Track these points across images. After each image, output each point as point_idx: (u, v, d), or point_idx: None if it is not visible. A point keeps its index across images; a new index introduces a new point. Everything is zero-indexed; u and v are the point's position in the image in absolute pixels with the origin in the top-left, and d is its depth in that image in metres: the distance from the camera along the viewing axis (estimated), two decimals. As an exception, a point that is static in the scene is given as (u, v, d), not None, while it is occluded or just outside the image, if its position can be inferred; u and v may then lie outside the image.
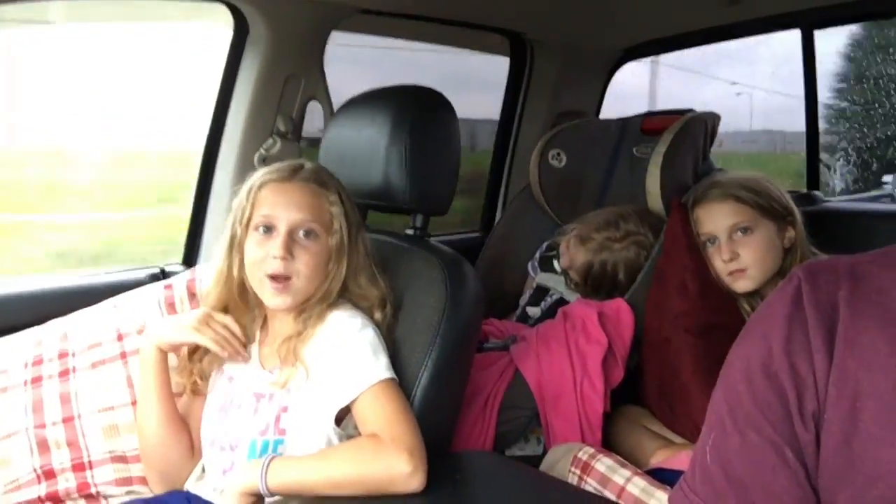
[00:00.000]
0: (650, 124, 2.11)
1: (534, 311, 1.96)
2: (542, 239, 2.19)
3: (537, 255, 2.13)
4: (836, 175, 2.16)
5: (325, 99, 1.79)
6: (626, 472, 1.29)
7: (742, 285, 1.61)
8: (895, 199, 2.36)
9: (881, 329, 0.62)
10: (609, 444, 1.58)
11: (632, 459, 1.54)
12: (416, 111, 1.40)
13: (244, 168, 1.76)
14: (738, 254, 1.61)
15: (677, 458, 1.44)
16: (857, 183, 2.16)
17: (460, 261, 1.36)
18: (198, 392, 1.34)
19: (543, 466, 1.46)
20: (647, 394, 1.66)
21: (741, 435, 0.67)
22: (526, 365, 1.60)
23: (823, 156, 2.20)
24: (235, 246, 1.26)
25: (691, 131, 1.91)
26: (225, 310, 1.30)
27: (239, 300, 1.29)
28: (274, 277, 1.21)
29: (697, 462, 0.72)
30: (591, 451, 1.37)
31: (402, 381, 1.22)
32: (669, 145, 1.86)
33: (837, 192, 2.16)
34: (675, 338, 1.58)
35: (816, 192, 2.04)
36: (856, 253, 1.68)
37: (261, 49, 1.74)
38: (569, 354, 1.57)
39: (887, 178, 2.48)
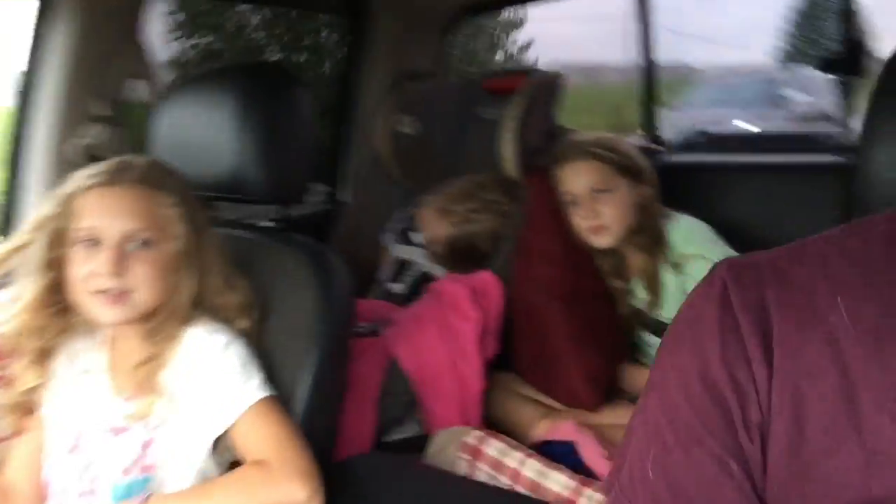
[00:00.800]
0: (494, 84, 2.08)
1: (397, 288, 1.89)
2: (395, 208, 2.12)
3: (392, 226, 2.06)
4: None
5: (149, 78, 1.58)
6: (519, 455, 1.28)
7: (602, 240, 1.63)
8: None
9: (814, 330, 0.60)
10: (487, 416, 1.57)
11: (514, 431, 1.55)
12: (265, 90, 1.26)
13: (55, 162, 1.53)
14: (598, 210, 1.62)
15: (560, 428, 1.45)
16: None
17: (327, 253, 1.26)
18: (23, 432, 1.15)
19: (430, 453, 1.42)
20: (520, 364, 1.66)
21: (684, 449, 0.64)
22: (400, 350, 1.54)
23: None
24: (45, 267, 1.07)
25: (542, 94, 1.90)
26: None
27: (57, 324, 1.11)
28: (103, 293, 1.04)
29: (635, 476, 0.68)
30: (480, 434, 1.34)
31: (280, 394, 1.12)
32: (523, 110, 1.84)
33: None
34: (545, 306, 1.58)
35: (654, 144, 2.11)
36: (700, 207, 1.73)
37: (69, 23, 1.49)
38: (443, 335, 1.53)
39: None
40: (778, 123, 7.84)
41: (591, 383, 1.50)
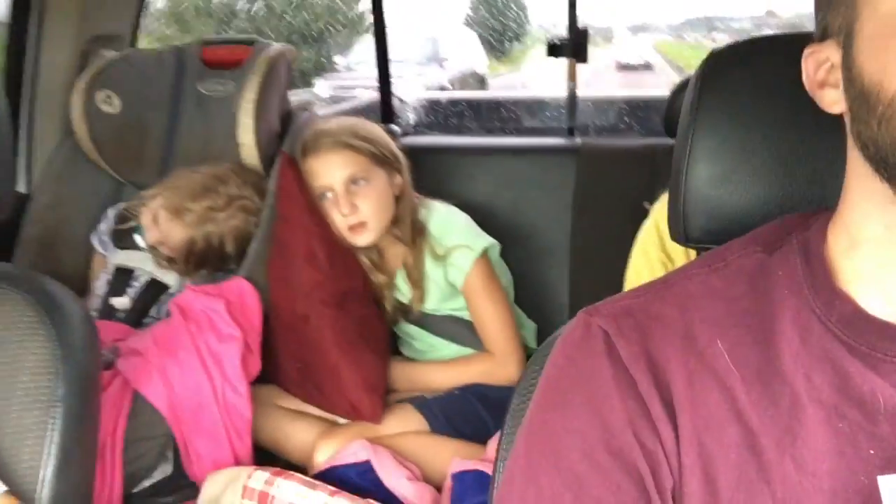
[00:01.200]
0: (213, 55, 1.83)
1: (121, 302, 1.58)
2: (103, 204, 1.78)
3: (104, 226, 1.72)
4: (410, 108, 2.21)
5: None
6: (321, 496, 1.14)
7: (363, 239, 1.53)
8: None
9: (706, 379, 0.58)
10: (254, 442, 1.40)
11: (292, 455, 1.40)
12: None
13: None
14: (357, 206, 1.51)
15: (350, 449, 1.33)
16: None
17: (58, 289, 0.98)
18: None
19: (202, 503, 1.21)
20: (285, 377, 1.50)
21: None
22: (148, 385, 1.28)
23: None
24: None
25: (277, 71, 1.70)
26: None
27: None
28: None
29: None
30: (264, 475, 1.17)
31: (12, 481, 0.85)
32: (260, 90, 1.63)
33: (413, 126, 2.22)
34: (313, 314, 1.43)
35: (393, 126, 2.04)
36: (439, 192, 1.70)
37: None
38: (202, 361, 1.30)
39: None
40: (440, 81, 8.13)
41: (371, 393, 1.40)
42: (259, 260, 1.50)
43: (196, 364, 1.30)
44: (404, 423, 1.43)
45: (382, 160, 1.56)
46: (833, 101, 0.56)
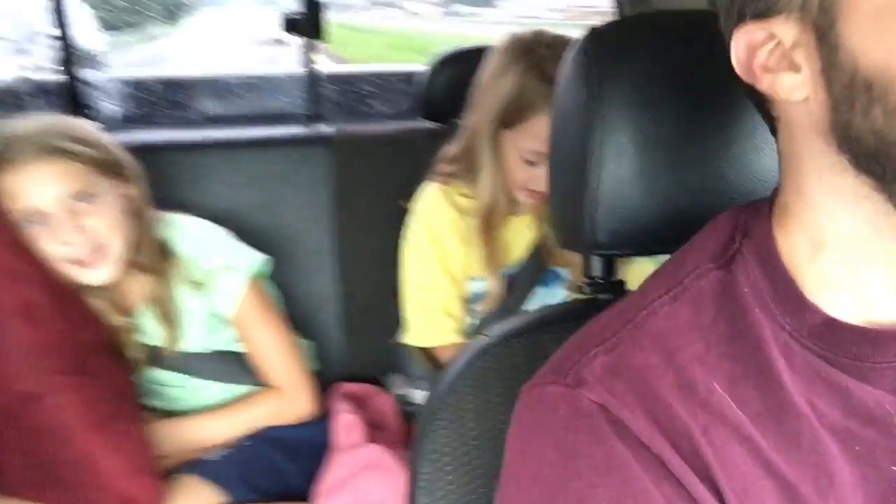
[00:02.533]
0: None
1: None
2: None
3: None
4: (108, 95, 1.73)
5: None
6: None
7: (101, 273, 1.17)
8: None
9: (723, 430, 0.49)
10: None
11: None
12: None
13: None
14: (87, 230, 1.14)
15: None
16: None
17: None
18: None
19: None
20: (10, 478, 1.07)
21: None
22: None
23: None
24: None
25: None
26: None
27: None
28: None
29: None
30: None
31: None
32: None
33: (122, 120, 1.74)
34: (48, 390, 1.04)
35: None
36: (171, 197, 1.40)
37: None
38: None
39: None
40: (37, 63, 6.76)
41: (144, 476, 1.07)
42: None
43: None
44: (196, 501, 1.13)
45: (108, 168, 1.20)
46: (790, 86, 0.47)
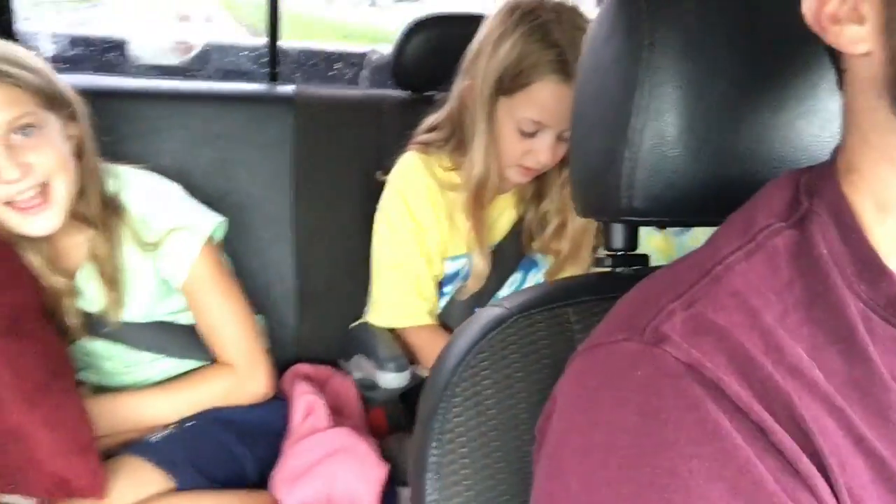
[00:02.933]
0: None
1: None
2: None
3: None
4: (43, 36, 1.53)
5: None
6: None
7: (46, 220, 1.04)
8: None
9: (813, 400, 0.45)
10: None
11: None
12: None
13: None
14: (30, 165, 1.01)
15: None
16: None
17: None
18: None
19: None
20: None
21: None
22: None
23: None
24: None
25: None
26: None
27: None
28: None
29: None
30: None
31: None
32: None
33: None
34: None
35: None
36: (115, 149, 1.29)
37: None
38: None
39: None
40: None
41: (84, 455, 0.94)
42: None
43: None
44: (138, 486, 1.00)
45: (51, 100, 1.06)
46: (854, 39, 0.45)
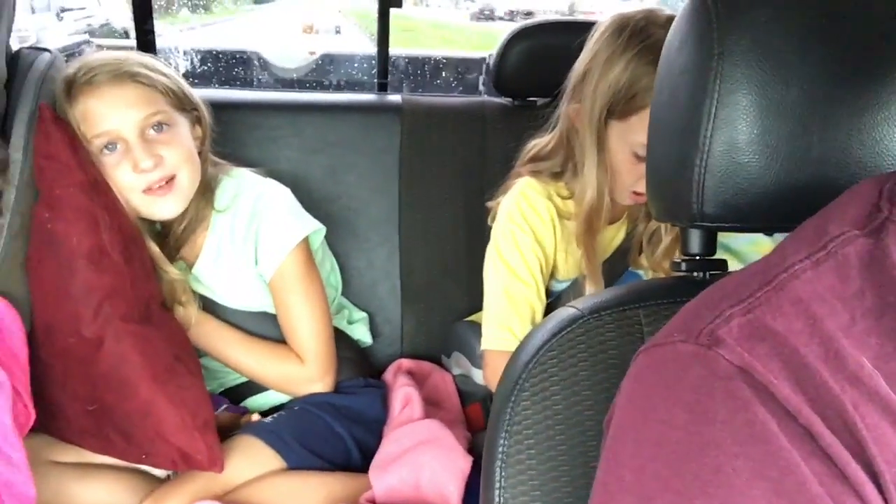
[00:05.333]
0: None
1: None
2: None
3: None
4: (179, 53, 1.73)
5: None
6: None
7: (171, 204, 1.16)
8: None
9: (874, 410, 0.44)
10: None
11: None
12: None
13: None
14: (162, 156, 1.13)
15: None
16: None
17: None
18: None
19: None
20: (66, 425, 1.06)
21: None
22: None
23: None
24: None
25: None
26: None
27: None
28: None
29: None
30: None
31: None
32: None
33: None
34: (109, 335, 1.02)
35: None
36: (236, 156, 1.38)
37: None
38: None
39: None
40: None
41: (205, 432, 1.04)
42: (11, 263, 1.04)
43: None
44: (254, 463, 1.10)
45: (180, 101, 1.18)
46: None
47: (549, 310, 1.22)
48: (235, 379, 1.30)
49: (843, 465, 0.43)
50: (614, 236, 1.26)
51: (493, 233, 1.23)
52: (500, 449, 0.69)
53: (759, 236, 1.31)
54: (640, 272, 1.28)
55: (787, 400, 0.44)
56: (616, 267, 1.26)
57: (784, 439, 0.43)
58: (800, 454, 0.43)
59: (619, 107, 1.08)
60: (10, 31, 1.27)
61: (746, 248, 1.31)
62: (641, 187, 1.11)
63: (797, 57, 0.64)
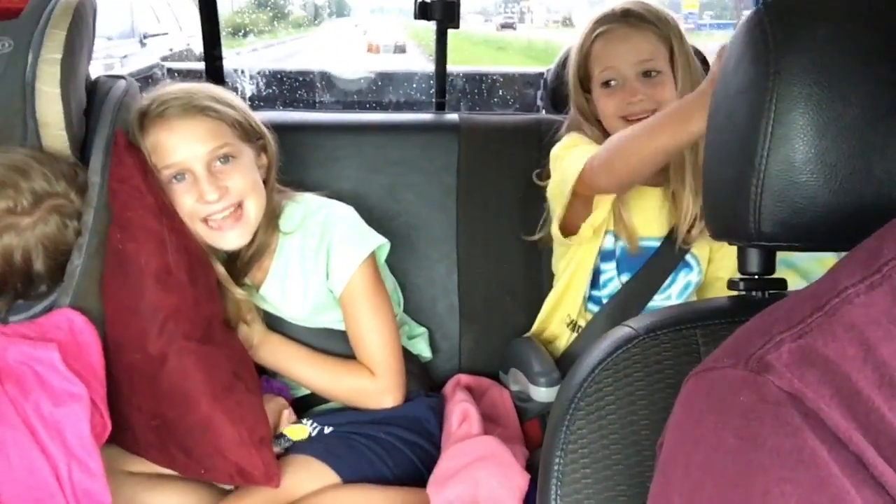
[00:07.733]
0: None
1: None
2: None
3: None
4: (247, 77, 1.81)
5: None
6: None
7: (237, 235, 1.20)
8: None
9: None
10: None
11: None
12: None
13: None
14: (228, 188, 1.18)
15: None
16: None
17: None
18: None
19: None
20: (134, 438, 1.11)
21: None
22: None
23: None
24: None
25: (86, 21, 1.26)
26: None
27: None
28: None
29: None
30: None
31: None
32: (67, 47, 1.19)
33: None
34: (172, 353, 1.06)
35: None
36: (300, 177, 1.41)
37: None
38: (33, 435, 0.90)
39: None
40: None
41: (261, 448, 1.08)
42: (88, 280, 1.10)
43: (25, 442, 0.89)
44: (307, 479, 1.13)
45: (247, 133, 1.23)
46: None
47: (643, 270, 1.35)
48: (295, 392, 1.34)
49: (894, 493, 0.42)
50: (650, 204, 1.35)
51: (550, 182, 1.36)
52: (556, 467, 0.70)
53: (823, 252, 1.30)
54: (689, 258, 1.35)
55: (837, 427, 0.44)
56: (668, 249, 1.34)
57: (835, 467, 0.43)
58: (851, 482, 0.43)
59: (581, 72, 1.36)
60: (90, 60, 1.35)
61: (810, 264, 1.29)
62: (625, 111, 1.30)
63: (856, 74, 0.63)
